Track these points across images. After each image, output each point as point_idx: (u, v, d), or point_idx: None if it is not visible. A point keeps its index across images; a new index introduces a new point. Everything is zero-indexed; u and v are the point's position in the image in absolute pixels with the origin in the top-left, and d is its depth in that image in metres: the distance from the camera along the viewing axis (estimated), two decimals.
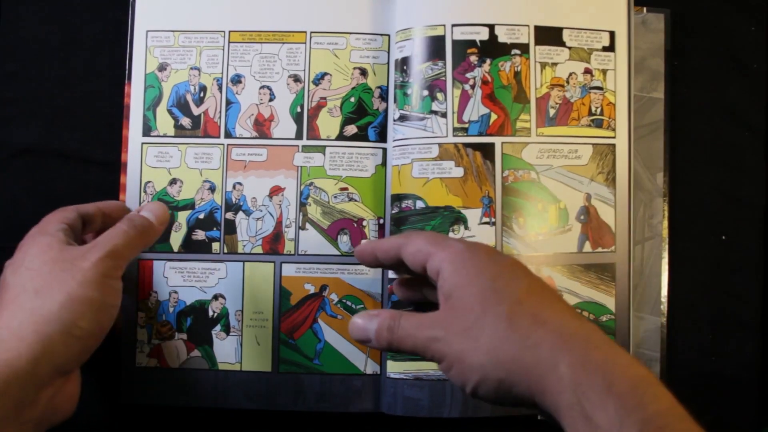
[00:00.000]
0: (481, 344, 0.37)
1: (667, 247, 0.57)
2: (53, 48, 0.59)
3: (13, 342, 0.40)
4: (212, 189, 0.56)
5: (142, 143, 0.56)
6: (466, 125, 0.55)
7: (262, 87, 0.57)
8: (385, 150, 0.56)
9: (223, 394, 0.55)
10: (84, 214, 0.49)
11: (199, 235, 0.56)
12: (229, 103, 0.56)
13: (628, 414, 0.32)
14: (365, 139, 0.56)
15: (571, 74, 0.56)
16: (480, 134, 0.55)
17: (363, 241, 0.52)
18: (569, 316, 0.38)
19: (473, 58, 0.55)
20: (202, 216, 0.56)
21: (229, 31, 0.57)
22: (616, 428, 0.32)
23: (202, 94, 0.56)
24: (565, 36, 0.57)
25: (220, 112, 0.56)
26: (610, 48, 0.57)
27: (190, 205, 0.56)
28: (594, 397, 0.33)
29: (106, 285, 0.43)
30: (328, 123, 0.57)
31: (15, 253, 0.45)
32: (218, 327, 0.55)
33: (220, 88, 0.57)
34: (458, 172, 0.55)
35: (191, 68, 0.57)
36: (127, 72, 0.57)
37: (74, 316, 0.42)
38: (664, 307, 0.58)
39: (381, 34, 0.57)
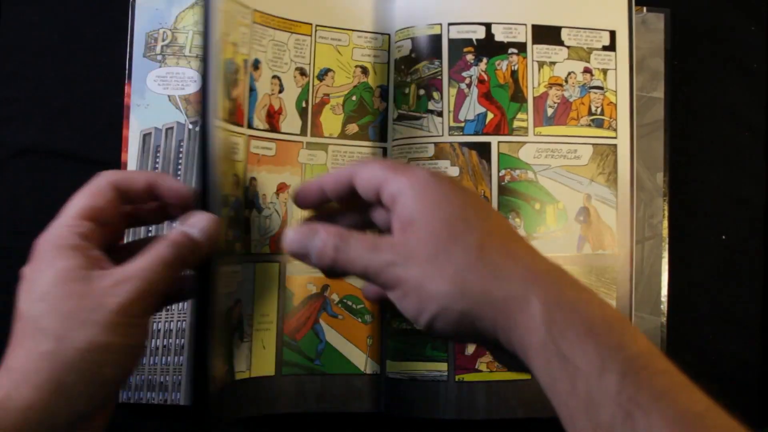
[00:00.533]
0: (446, 272, 0.35)
1: (667, 247, 0.57)
2: (53, 48, 0.59)
3: (27, 390, 0.35)
4: (237, 183, 0.52)
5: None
6: (462, 124, 0.55)
7: (274, 77, 0.55)
8: (385, 149, 0.56)
9: (230, 404, 0.53)
10: (125, 188, 0.42)
11: (229, 235, 0.49)
12: (250, 89, 0.53)
13: (609, 354, 0.31)
14: (366, 138, 0.56)
15: (569, 73, 0.56)
16: (476, 133, 0.55)
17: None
18: (538, 255, 0.36)
19: (469, 57, 0.55)
20: (233, 213, 0.50)
21: (254, 10, 0.53)
22: (597, 368, 0.31)
23: (236, 75, 0.50)
24: (564, 35, 0.56)
25: (245, 98, 0.52)
26: (611, 47, 0.57)
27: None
28: (572, 337, 0.32)
29: (134, 327, 0.37)
30: (331, 120, 0.56)
31: (30, 267, 0.39)
32: (236, 335, 0.52)
33: (245, 71, 0.52)
34: (454, 171, 0.54)
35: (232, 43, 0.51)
36: (127, 72, 0.57)
37: (97, 364, 0.36)
38: (664, 307, 0.58)
39: (382, 33, 0.57)
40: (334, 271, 0.38)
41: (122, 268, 0.38)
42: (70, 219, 0.40)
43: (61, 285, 0.37)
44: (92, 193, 0.41)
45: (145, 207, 0.45)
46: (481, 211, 0.37)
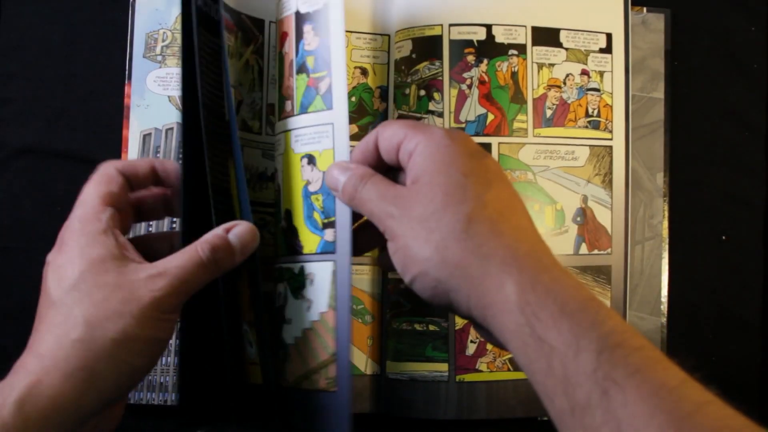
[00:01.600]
0: (432, 237, 0.35)
1: (667, 247, 0.57)
2: (53, 48, 0.59)
3: (58, 377, 0.35)
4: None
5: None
6: (463, 125, 0.55)
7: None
8: None
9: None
10: (131, 174, 0.43)
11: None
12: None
13: (583, 333, 0.31)
14: None
15: (568, 75, 0.56)
16: (477, 134, 0.55)
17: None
18: (525, 233, 0.36)
19: (470, 58, 0.55)
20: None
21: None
22: (572, 348, 0.31)
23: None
24: (562, 37, 0.56)
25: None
26: (607, 50, 0.57)
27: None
28: (546, 318, 0.32)
29: (165, 322, 0.38)
30: None
31: (58, 254, 0.39)
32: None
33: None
34: None
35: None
36: (127, 72, 0.57)
37: (128, 355, 0.37)
38: (664, 307, 0.58)
39: (381, 34, 0.57)
40: (352, 207, 0.41)
41: (158, 264, 0.38)
42: (94, 205, 0.40)
43: (95, 274, 0.37)
44: (105, 180, 0.42)
45: (151, 194, 0.45)
46: (483, 179, 0.37)
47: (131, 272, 0.38)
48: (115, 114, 0.58)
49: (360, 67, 0.57)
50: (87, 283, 0.37)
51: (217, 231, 0.41)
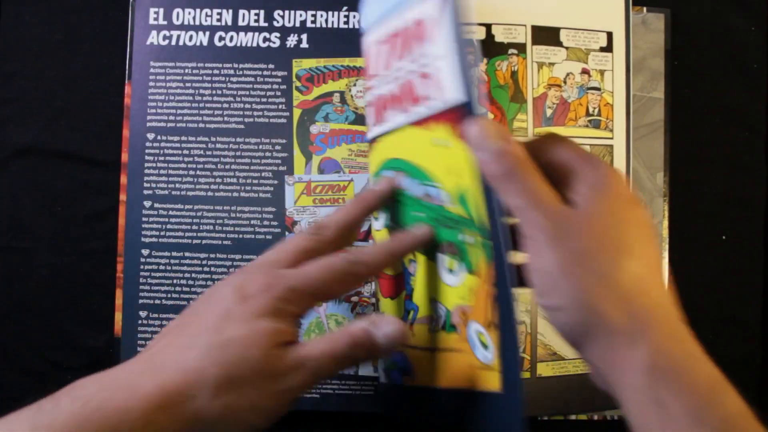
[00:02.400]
0: (580, 274, 0.34)
1: (667, 247, 0.57)
2: (53, 48, 0.59)
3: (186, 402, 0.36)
4: None
5: None
6: None
7: None
8: None
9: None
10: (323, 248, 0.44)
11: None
12: None
13: (706, 410, 0.31)
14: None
15: (568, 74, 0.56)
16: None
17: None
18: (666, 298, 0.35)
19: (470, 57, 0.55)
20: None
21: None
22: (691, 421, 0.31)
23: None
24: (563, 36, 0.56)
25: None
26: (608, 48, 0.57)
27: None
28: (671, 386, 0.32)
29: (292, 401, 0.39)
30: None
31: (235, 290, 0.40)
32: None
33: None
34: None
35: None
36: (127, 72, 0.57)
37: (242, 419, 0.38)
38: None
39: None
40: (495, 185, 0.37)
41: (301, 351, 0.39)
42: (289, 260, 0.42)
43: (257, 347, 0.38)
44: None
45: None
46: (640, 233, 0.36)
47: (283, 357, 0.38)
48: (115, 114, 0.57)
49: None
50: (232, 355, 0.37)
51: (363, 325, 0.41)
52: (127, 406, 0.34)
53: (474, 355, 0.42)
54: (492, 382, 0.41)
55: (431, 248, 0.44)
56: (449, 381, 0.44)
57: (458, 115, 0.40)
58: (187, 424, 0.36)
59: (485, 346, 0.42)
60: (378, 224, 0.50)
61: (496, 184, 0.36)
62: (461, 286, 0.43)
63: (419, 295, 0.46)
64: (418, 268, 0.46)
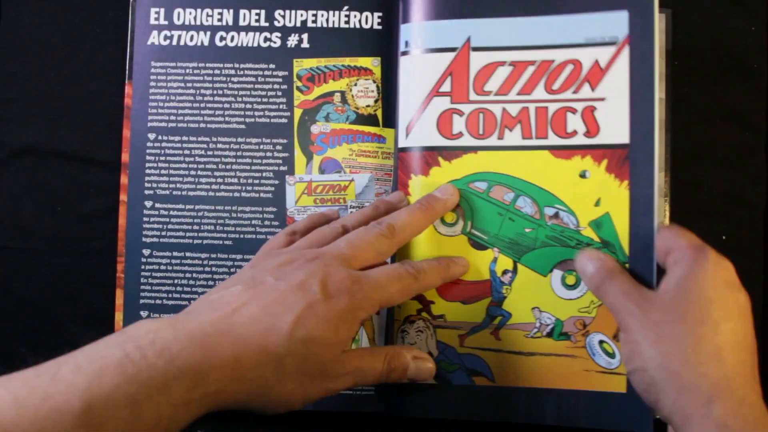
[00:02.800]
0: (661, 342, 0.40)
1: None
2: (53, 48, 0.59)
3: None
4: None
5: None
6: None
7: None
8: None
9: None
10: None
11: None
12: None
13: None
14: None
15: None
16: None
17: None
18: (744, 367, 0.40)
19: None
20: None
21: None
22: None
23: None
24: None
25: None
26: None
27: None
28: None
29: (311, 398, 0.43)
30: None
31: (301, 277, 0.42)
32: None
33: None
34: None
35: None
36: (127, 72, 0.57)
37: (272, 400, 0.41)
38: None
39: None
40: (595, 294, 0.47)
41: (354, 361, 0.44)
42: (364, 259, 0.46)
43: (332, 351, 0.41)
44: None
45: None
46: (726, 311, 0.41)
47: (339, 361, 0.42)
48: (115, 114, 0.57)
49: None
50: (315, 343, 0.41)
51: (405, 358, 0.47)
52: (203, 370, 0.37)
53: (592, 361, 0.50)
54: (617, 384, 0.50)
55: (545, 264, 0.51)
56: (553, 382, 0.51)
57: (613, 153, 0.50)
58: (247, 397, 0.39)
59: (610, 354, 0.50)
60: (450, 230, 0.52)
61: (594, 290, 0.46)
62: (580, 299, 0.50)
63: (516, 304, 0.51)
64: (518, 278, 0.51)
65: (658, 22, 0.49)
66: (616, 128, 0.50)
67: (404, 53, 0.53)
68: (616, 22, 0.50)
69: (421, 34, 0.52)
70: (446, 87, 0.52)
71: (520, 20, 0.51)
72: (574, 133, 0.51)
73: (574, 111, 0.50)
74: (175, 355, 0.36)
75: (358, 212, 0.51)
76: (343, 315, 0.42)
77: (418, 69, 0.52)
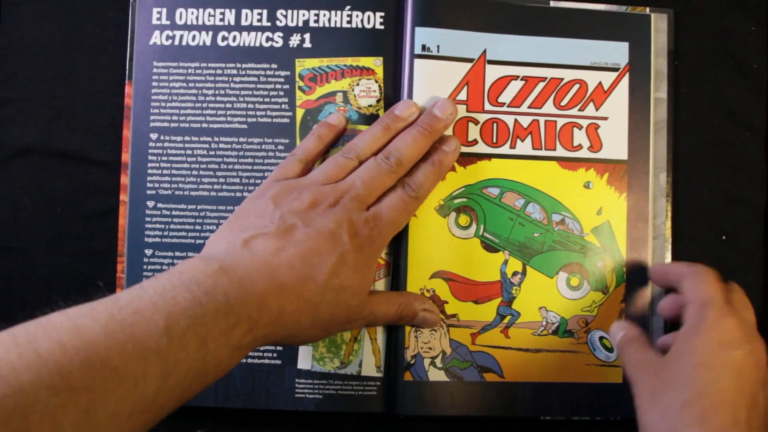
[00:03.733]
0: (655, 407, 0.42)
1: (670, 247, 0.57)
2: (53, 48, 0.59)
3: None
4: None
5: None
6: None
7: None
8: None
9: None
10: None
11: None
12: None
13: None
14: None
15: None
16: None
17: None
18: (735, 426, 0.40)
19: None
20: None
21: None
22: None
23: None
24: None
25: None
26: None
27: None
28: None
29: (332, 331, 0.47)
30: None
31: (331, 226, 0.45)
32: None
33: None
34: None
35: None
36: (127, 72, 0.57)
37: (311, 340, 0.46)
38: None
39: None
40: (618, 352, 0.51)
41: (372, 306, 0.48)
42: (373, 198, 0.49)
43: (358, 297, 0.46)
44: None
45: None
46: (717, 372, 0.42)
47: (362, 307, 0.47)
48: (115, 114, 0.57)
49: None
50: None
51: (422, 305, 0.52)
52: (254, 317, 0.39)
53: (593, 356, 0.55)
54: (614, 376, 0.55)
55: (551, 266, 0.54)
56: (558, 377, 0.54)
57: (614, 168, 0.55)
58: (281, 339, 0.43)
59: (609, 349, 0.55)
60: (464, 233, 0.54)
61: (618, 354, 0.51)
62: (583, 299, 0.55)
63: (524, 304, 0.55)
64: (527, 280, 0.55)
65: (655, 56, 0.56)
66: (616, 145, 0.55)
67: (420, 56, 0.54)
68: (619, 51, 0.56)
69: (440, 40, 0.54)
70: (463, 95, 0.54)
71: (532, 39, 0.55)
72: (580, 146, 0.55)
73: (580, 127, 0.55)
74: (233, 302, 0.38)
75: (369, 135, 0.51)
76: (368, 262, 0.45)
77: (437, 74, 0.54)
